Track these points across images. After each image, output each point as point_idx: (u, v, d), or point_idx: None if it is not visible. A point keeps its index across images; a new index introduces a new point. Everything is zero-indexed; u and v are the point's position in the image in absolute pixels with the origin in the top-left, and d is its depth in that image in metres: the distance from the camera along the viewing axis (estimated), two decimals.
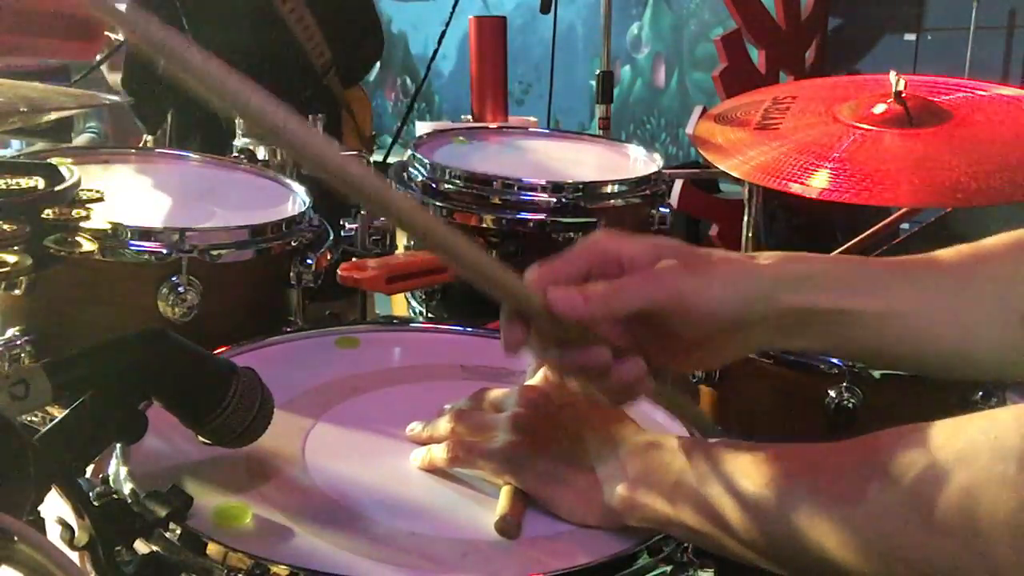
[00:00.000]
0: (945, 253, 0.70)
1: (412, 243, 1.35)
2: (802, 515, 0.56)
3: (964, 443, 0.50)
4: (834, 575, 0.55)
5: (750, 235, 1.70)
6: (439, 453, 0.72)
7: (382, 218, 1.20)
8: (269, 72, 1.93)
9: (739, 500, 0.59)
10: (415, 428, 0.77)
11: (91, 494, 0.59)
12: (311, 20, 2.10)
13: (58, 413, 0.59)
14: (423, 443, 0.75)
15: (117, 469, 0.67)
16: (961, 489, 0.48)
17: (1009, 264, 0.68)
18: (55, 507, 0.57)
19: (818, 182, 1.32)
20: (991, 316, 0.67)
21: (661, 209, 1.31)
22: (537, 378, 0.77)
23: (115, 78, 2.26)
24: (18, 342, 0.99)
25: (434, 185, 1.26)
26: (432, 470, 0.72)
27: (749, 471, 0.60)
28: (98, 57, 2.00)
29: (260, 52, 1.98)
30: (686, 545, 0.64)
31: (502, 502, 0.67)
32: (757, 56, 3.37)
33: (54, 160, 0.88)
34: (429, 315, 1.30)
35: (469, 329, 1.02)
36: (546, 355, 0.68)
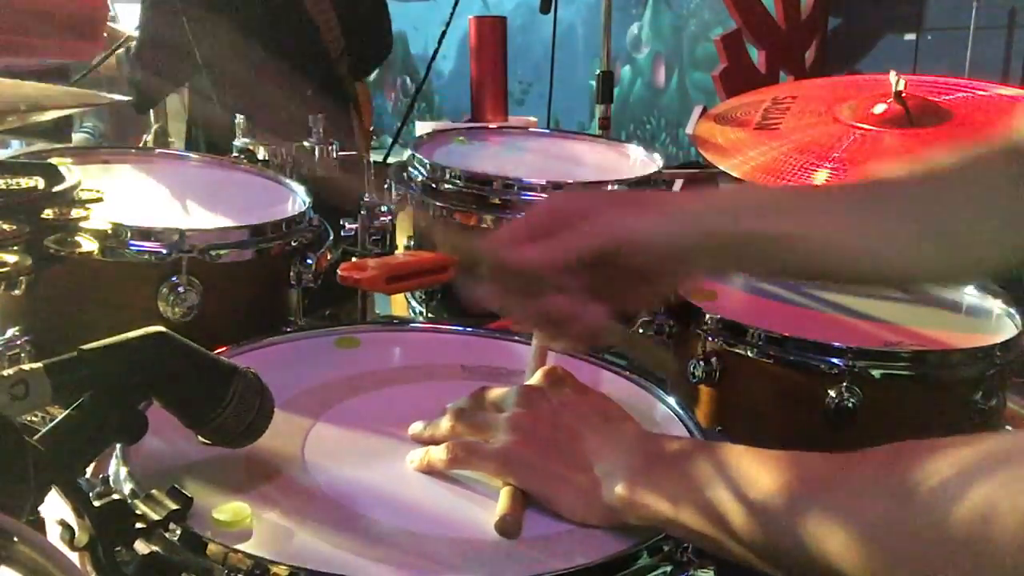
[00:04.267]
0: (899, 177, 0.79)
1: (412, 243, 1.35)
2: (813, 527, 0.55)
3: (981, 461, 0.50)
4: None
5: None
6: (438, 454, 0.72)
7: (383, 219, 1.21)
8: (284, 53, 1.93)
9: (746, 506, 0.59)
10: (417, 428, 0.77)
11: (91, 494, 0.59)
12: (328, 4, 2.11)
13: (58, 413, 0.59)
14: (424, 443, 0.75)
15: (117, 469, 0.67)
16: (976, 508, 0.47)
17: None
18: (55, 508, 0.57)
19: (818, 182, 1.32)
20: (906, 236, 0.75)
21: None
22: (536, 377, 0.77)
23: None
24: (18, 342, 0.99)
25: (434, 185, 1.26)
26: (430, 471, 0.72)
27: (757, 477, 0.60)
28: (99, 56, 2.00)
29: (276, 32, 1.98)
30: (686, 545, 0.63)
31: (502, 502, 0.67)
32: (757, 56, 3.37)
33: (54, 160, 0.88)
34: (429, 315, 1.30)
35: (469, 329, 1.02)
36: (514, 308, 0.78)
